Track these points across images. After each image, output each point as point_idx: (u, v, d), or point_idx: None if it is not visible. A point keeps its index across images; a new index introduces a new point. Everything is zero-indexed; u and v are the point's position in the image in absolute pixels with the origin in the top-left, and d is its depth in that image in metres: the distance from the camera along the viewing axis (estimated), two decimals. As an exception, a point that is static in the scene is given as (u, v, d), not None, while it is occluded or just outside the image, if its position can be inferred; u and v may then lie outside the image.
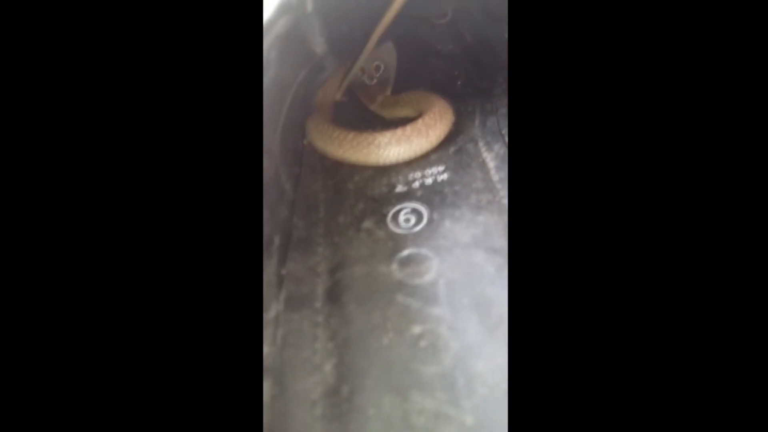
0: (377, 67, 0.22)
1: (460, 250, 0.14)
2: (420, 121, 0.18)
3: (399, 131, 0.18)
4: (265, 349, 0.12)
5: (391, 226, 0.15)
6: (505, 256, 0.14)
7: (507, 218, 0.15)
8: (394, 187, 0.17)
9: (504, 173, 0.16)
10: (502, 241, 0.14)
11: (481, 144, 0.18)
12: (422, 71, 0.23)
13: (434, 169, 0.17)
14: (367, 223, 0.15)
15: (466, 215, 0.15)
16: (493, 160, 0.17)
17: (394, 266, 0.14)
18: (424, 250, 0.14)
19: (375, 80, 0.22)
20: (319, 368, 0.12)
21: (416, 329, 0.13)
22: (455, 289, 0.13)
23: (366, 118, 0.21)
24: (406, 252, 0.14)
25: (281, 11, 0.13)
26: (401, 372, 0.11)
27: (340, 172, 0.18)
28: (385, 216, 0.16)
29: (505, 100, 0.19)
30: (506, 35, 0.17)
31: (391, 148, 0.18)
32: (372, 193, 0.17)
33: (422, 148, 0.18)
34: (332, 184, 0.17)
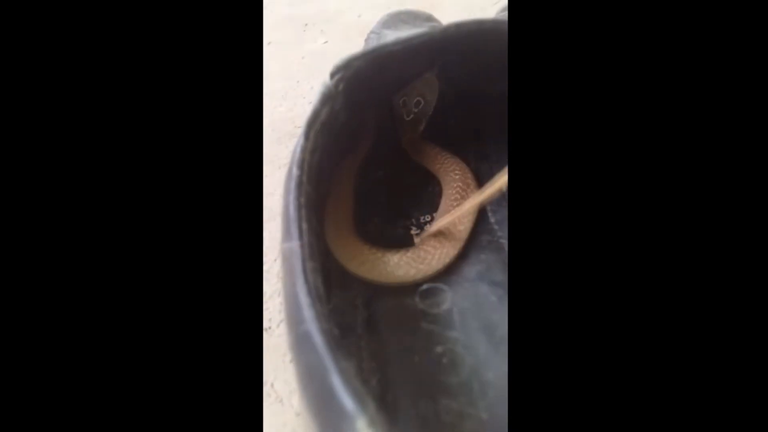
0: (417, 102, 0.21)
1: (469, 283, 0.18)
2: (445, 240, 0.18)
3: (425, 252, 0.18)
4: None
5: None
6: (505, 287, 0.17)
7: (506, 256, 0.18)
8: (409, 229, 0.21)
9: (499, 216, 0.20)
10: (502, 276, 0.18)
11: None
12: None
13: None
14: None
15: (471, 254, 0.19)
16: (489, 205, 0.21)
17: (417, 298, 0.18)
18: (440, 285, 0.18)
19: (412, 116, 0.21)
20: (367, 382, 0.15)
21: (439, 349, 0.16)
22: (466, 315, 0.17)
23: (395, 159, 0.22)
24: (425, 286, 0.18)
25: (323, 102, 0.17)
26: (430, 382, 0.15)
27: None
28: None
29: (494, 146, 0.22)
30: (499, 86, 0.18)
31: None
32: (391, 235, 0.20)
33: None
34: None
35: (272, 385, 0.19)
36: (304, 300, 0.10)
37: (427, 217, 0.21)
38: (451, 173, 0.21)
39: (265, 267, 0.23)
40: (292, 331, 0.10)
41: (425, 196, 0.22)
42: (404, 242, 0.20)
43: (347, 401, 0.08)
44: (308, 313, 0.10)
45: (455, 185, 0.20)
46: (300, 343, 0.10)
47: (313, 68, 0.38)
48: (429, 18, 0.34)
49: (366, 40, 0.32)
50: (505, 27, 0.17)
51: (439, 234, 0.19)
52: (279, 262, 0.23)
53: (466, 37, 0.17)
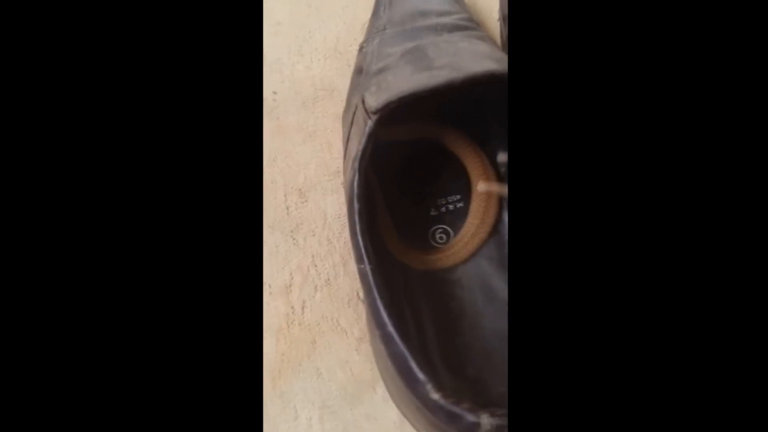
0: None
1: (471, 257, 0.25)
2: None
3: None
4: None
5: (431, 242, 0.26)
6: (498, 260, 0.25)
7: (497, 236, 0.25)
8: (429, 211, 0.27)
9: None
10: (496, 251, 0.25)
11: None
12: None
13: (453, 198, 0.27)
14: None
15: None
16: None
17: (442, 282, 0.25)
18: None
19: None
20: (427, 354, 0.23)
21: (452, 303, 0.24)
22: (471, 281, 0.25)
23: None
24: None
25: (368, 140, 0.22)
26: (454, 331, 0.24)
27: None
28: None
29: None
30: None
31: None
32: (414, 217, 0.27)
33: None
34: None
35: (338, 320, 0.27)
36: (383, 311, 0.18)
37: (450, 200, 0.27)
38: (478, 165, 0.25)
39: (316, 232, 0.30)
40: (376, 330, 0.18)
41: (440, 183, 0.27)
42: (428, 225, 0.26)
43: (421, 376, 0.16)
44: (387, 320, 0.17)
45: (481, 175, 0.25)
46: (384, 340, 0.17)
47: (322, 13, 0.39)
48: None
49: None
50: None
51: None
52: (330, 230, 0.29)
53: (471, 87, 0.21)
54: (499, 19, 0.33)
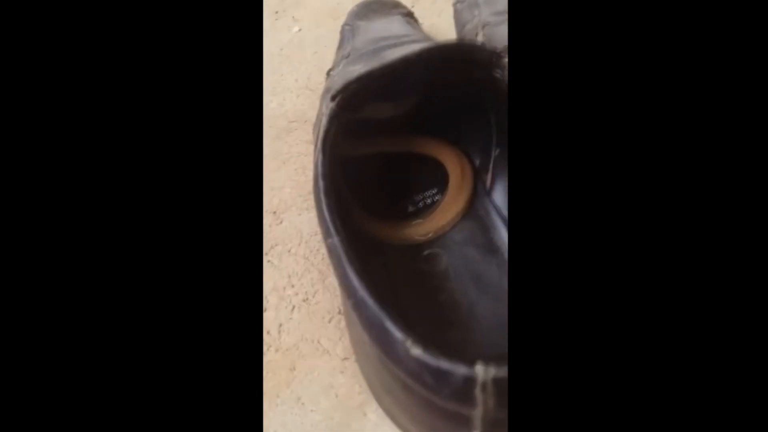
0: None
1: (458, 246, 0.23)
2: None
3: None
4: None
5: None
6: (486, 247, 0.23)
7: (483, 223, 0.24)
8: (407, 208, 0.26)
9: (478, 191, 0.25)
10: (482, 238, 0.23)
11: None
12: None
13: (430, 192, 0.26)
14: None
15: (457, 225, 0.24)
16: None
17: (422, 263, 0.23)
18: (437, 250, 0.23)
19: None
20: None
21: (442, 297, 0.22)
22: (459, 271, 0.23)
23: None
24: (426, 252, 0.23)
25: (330, 121, 0.21)
26: (439, 321, 0.21)
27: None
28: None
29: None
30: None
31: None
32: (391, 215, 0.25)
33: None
34: None
35: (319, 341, 0.24)
36: (353, 277, 0.15)
37: (428, 194, 0.26)
38: (453, 157, 0.26)
39: (292, 250, 0.28)
40: (348, 300, 0.16)
41: (417, 181, 0.27)
42: (407, 220, 0.25)
43: (399, 334, 0.13)
44: (358, 285, 0.15)
45: (457, 168, 0.25)
46: (357, 307, 0.15)
47: (293, 59, 0.41)
48: (396, 5, 0.37)
49: (341, 32, 0.35)
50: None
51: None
52: (307, 247, 0.28)
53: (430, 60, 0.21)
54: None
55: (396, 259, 0.23)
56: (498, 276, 0.22)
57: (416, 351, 0.13)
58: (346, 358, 0.23)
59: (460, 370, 0.12)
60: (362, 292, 0.15)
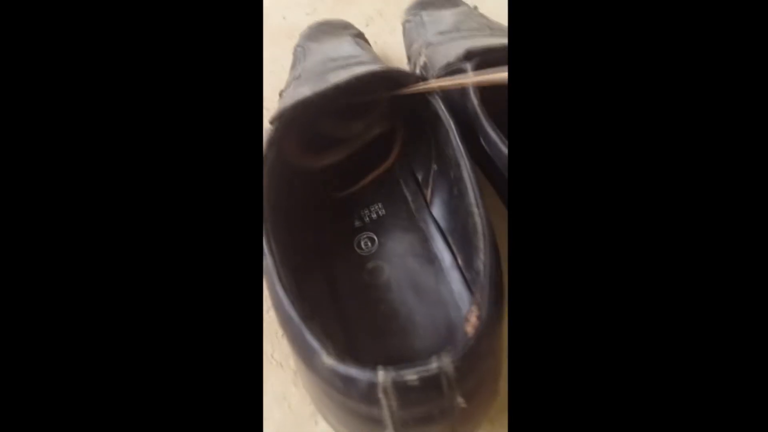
0: None
1: (398, 258, 0.25)
2: None
3: None
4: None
5: (357, 250, 0.26)
6: (425, 257, 0.24)
7: (422, 235, 0.25)
8: (353, 223, 0.27)
9: (419, 203, 0.27)
10: (420, 249, 0.25)
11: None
12: None
13: (375, 207, 0.27)
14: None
15: (396, 237, 0.26)
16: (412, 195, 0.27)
17: (366, 275, 0.24)
18: (380, 262, 0.25)
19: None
20: (332, 335, 0.22)
21: (382, 307, 0.23)
22: (399, 281, 0.24)
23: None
24: (370, 266, 0.25)
25: (269, 145, 0.22)
26: (378, 330, 0.22)
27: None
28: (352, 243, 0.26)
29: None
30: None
31: None
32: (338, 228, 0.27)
33: None
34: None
35: (272, 355, 0.25)
36: (281, 294, 0.17)
37: (373, 209, 0.27)
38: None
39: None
40: (278, 314, 0.17)
41: (361, 196, 0.28)
42: (353, 235, 0.26)
43: (316, 345, 0.14)
44: (285, 301, 0.16)
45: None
46: (284, 322, 0.16)
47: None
48: (347, 26, 0.39)
49: (294, 53, 0.37)
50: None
51: None
52: None
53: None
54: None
55: (342, 273, 0.25)
56: (435, 283, 0.23)
57: (329, 360, 0.14)
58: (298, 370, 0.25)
59: (364, 375, 0.13)
60: (288, 308, 0.16)
